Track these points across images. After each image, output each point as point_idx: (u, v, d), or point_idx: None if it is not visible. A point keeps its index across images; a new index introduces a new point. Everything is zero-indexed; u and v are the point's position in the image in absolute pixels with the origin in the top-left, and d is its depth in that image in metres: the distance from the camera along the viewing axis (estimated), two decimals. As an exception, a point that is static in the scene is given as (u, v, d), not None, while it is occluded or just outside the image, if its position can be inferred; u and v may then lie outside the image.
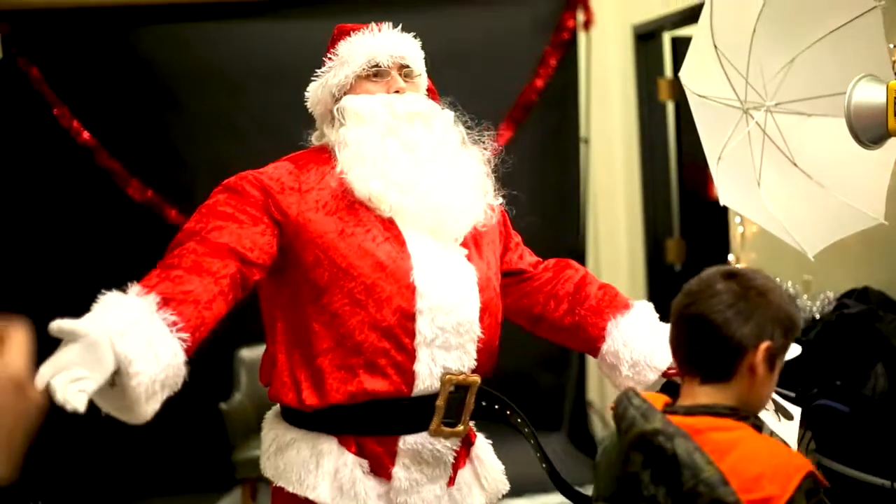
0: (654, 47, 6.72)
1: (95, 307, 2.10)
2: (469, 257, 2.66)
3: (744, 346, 2.04)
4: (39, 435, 1.81)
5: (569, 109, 6.37)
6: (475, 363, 2.60)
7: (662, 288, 6.70)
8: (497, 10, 6.17)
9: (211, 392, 5.50)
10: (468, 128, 2.80)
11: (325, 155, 2.70)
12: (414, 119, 2.66)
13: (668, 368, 2.73)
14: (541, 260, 2.99)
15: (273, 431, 2.68)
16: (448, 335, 2.54)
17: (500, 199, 2.84)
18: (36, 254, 5.96)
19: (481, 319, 2.60)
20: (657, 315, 2.81)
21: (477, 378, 2.61)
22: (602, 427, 6.61)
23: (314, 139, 2.81)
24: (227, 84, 5.82)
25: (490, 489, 2.76)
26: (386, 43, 2.72)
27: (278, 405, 2.71)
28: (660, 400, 2.16)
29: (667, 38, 6.67)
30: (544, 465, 2.73)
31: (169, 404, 2.15)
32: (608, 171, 6.89)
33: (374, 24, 2.74)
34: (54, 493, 5.72)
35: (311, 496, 2.52)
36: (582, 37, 6.31)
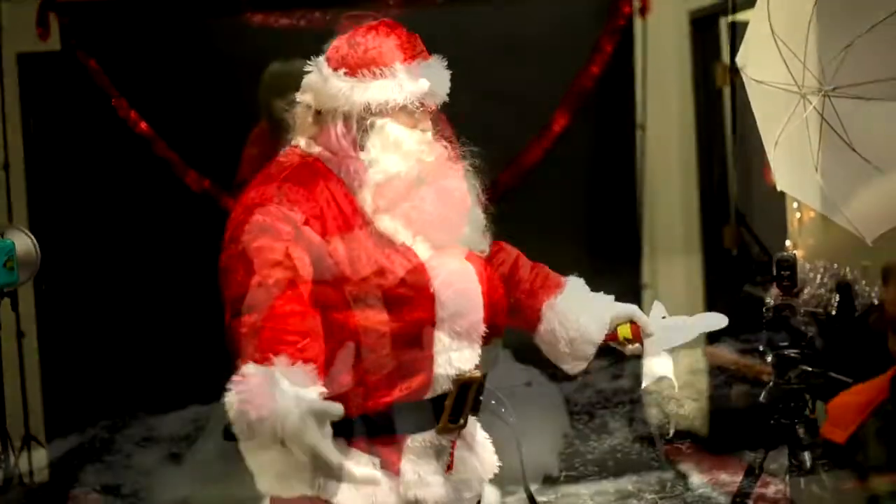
0: (710, 33, 6.67)
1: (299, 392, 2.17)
2: (468, 257, 2.62)
3: None
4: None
5: (625, 96, 6.34)
6: (479, 358, 2.58)
7: (719, 274, 6.66)
8: (552, -2, 6.15)
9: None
10: (462, 157, 2.68)
11: (317, 167, 2.58)
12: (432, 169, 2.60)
13: (606, 336, 2.75)
14: None
15: None
16: (462, 339, 2.53)
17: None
18: (94, 244, 6.01)
19: (485, 318, 2.58)
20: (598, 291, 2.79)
21: (479, 374, 2.59)
22: (658, 414, 6.58)
23: (299, 135, 2.63)
24: (282, 74, 5.82)
25: (485, 465, 2.72)
26: (440, 84, 2.58)
27: None
28: None
29: (723, 23, 6.61)
30: (526, 486, 2.71)
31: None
32: (664, 157, 6.84)
33: (434, 59, 2.59)
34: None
35: (323, 496, 2.44)
36: (638, 23, 6.28)
